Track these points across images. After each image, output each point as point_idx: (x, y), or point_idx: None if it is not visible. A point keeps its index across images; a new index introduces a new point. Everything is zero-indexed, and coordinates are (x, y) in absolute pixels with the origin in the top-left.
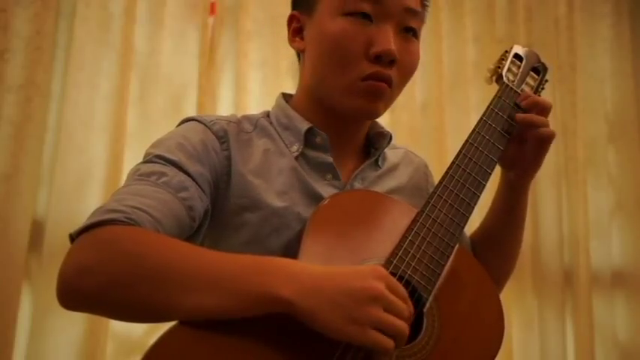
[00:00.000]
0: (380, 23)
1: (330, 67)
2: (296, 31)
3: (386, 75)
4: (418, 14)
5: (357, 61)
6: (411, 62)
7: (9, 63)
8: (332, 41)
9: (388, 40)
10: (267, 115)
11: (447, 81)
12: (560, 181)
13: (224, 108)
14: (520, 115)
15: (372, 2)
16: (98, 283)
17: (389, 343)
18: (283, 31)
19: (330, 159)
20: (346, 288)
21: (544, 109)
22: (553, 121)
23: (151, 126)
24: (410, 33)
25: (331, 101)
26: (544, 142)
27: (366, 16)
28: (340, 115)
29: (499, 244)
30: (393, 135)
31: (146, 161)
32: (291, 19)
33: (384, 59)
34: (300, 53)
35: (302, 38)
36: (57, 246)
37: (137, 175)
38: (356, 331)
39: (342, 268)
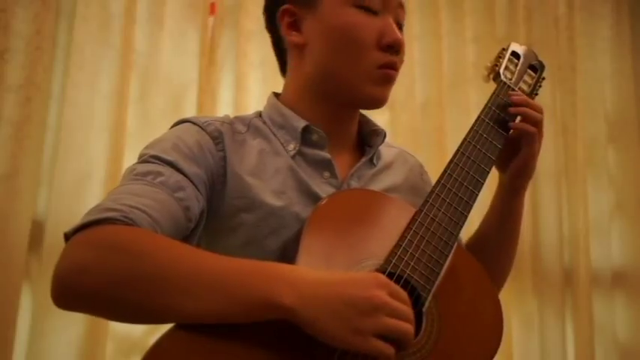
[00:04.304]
0: (384, 16)
1: (345, 56)
2: (291, 25)
3: (396, 63)
4: (405, 10)
5: (370, 51)
6: (404, 52)
7: (9, 63)
8: (347, 31)
9: (395, 31)
10: (259, 115)
11: (447, 81)
12: (560, 181)
13: (224, 108)
14: (513, 109)
15: None
16: (96, 283)
17: (391, 350)
18: None
19: (328, 155)
20: (348, 297)
21: (532, 107)
22: (553, 121)
23: (150, 126)
24: (399, 26)
25: (345, 90)
26: (526, 137)
27: (371, 10)
28: (351, 104)
29: (493, 249)
30: (387, 133)
31: (142, 161)
32: (283, 14)
33: (394, 49)
34: (294, 48)
35: (299, 32)
36: (57, 246)
37: (133, 174)
38: (359, 341)
39: (344, 275)
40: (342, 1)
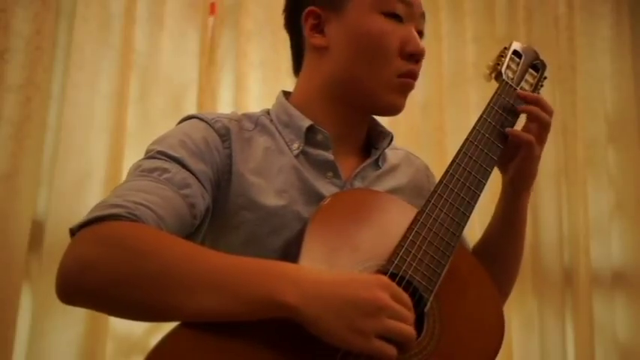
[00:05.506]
0: (407, 24)
1: (368, 63)
2: (314, 27)
3: (416, 72)
4: (425, 20)
5: (392, 59)
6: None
7: (9, 63)
8: (373, 39)
9: (418, 40)
10: (267, 112)
11: (447, 81)
12: (560, 181)
13: (224, 108)
14: (520, 107)
15: (404, 4)
16: (100, 279)
17: (393, 351)
18: (283, 31)
19: (331, 157)
20: (351, 298)
21: (544, 107)
22: (553, 121)
23: (150, 126)
24: (420, 35)
25: (364, 96)
26: (525, 145)
27: (397, 17)
28: (367, 110)
29: (498, 256)
30: (393, 135)
31: (148, 157)
32: (308, 15)
33: (416, 58)
34: (314, 50)
35: (322, 35)
36: (57, 246)
37: (139, 170)
38: (361, 341)
39: (348, 275)
40: (369, 8)
